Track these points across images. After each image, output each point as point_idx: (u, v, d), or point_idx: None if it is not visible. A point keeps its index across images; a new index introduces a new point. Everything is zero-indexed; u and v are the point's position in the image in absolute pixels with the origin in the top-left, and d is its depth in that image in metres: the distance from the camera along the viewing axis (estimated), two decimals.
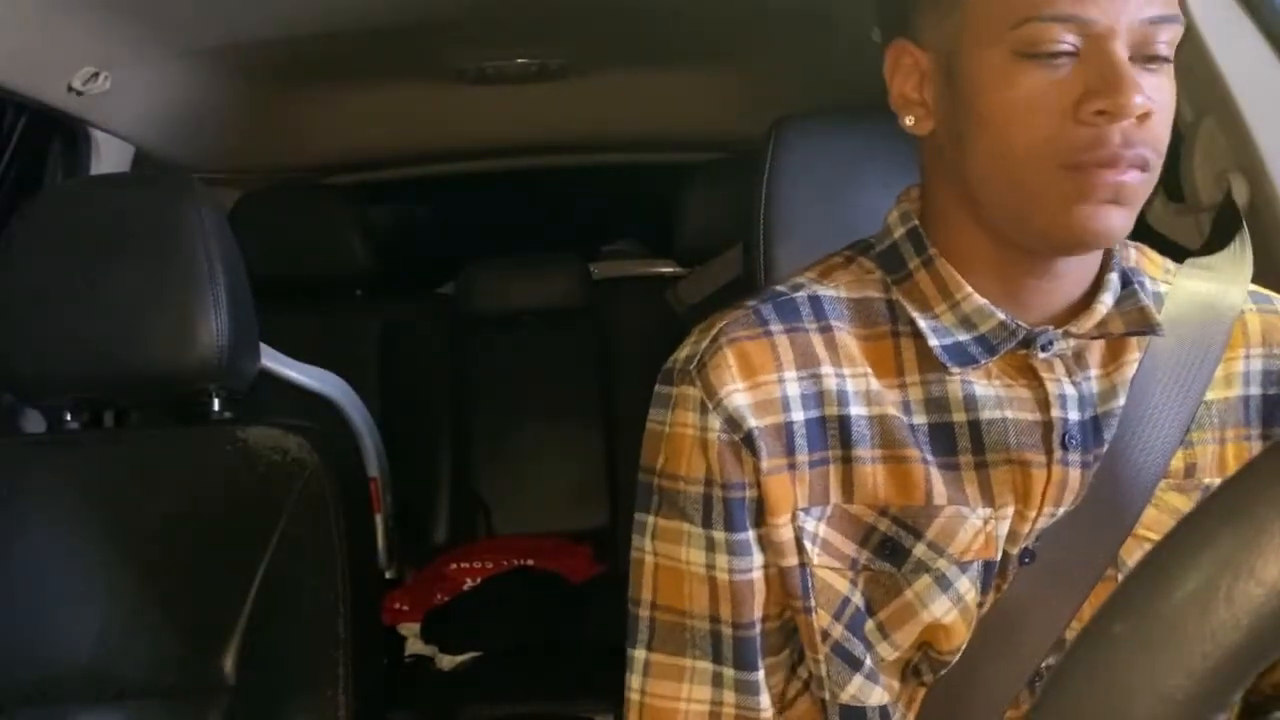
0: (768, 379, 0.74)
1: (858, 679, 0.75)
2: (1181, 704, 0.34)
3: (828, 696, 0.75)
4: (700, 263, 2.16)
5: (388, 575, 1.99)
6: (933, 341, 0.75)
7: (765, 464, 0.73)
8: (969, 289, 0.75)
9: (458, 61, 1.85)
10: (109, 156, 1.72)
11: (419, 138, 2.26)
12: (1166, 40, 0.68)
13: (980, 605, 0.75)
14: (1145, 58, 0.68)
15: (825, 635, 0.75)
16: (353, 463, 1.85)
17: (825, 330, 0.76)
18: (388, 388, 2.21)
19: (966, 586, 0.74)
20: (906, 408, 0.75)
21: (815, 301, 0.77)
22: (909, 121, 0.75)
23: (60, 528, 1.15)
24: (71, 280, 1.15)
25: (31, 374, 1.18)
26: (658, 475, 0.77)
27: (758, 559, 0.75)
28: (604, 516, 2.28)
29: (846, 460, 0.74)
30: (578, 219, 2.75)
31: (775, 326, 0.76)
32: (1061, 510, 0.75)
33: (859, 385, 0.75)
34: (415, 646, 1.94)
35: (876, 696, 0.75)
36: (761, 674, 0.76)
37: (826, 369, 0.75)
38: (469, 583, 2.01)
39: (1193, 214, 1.17)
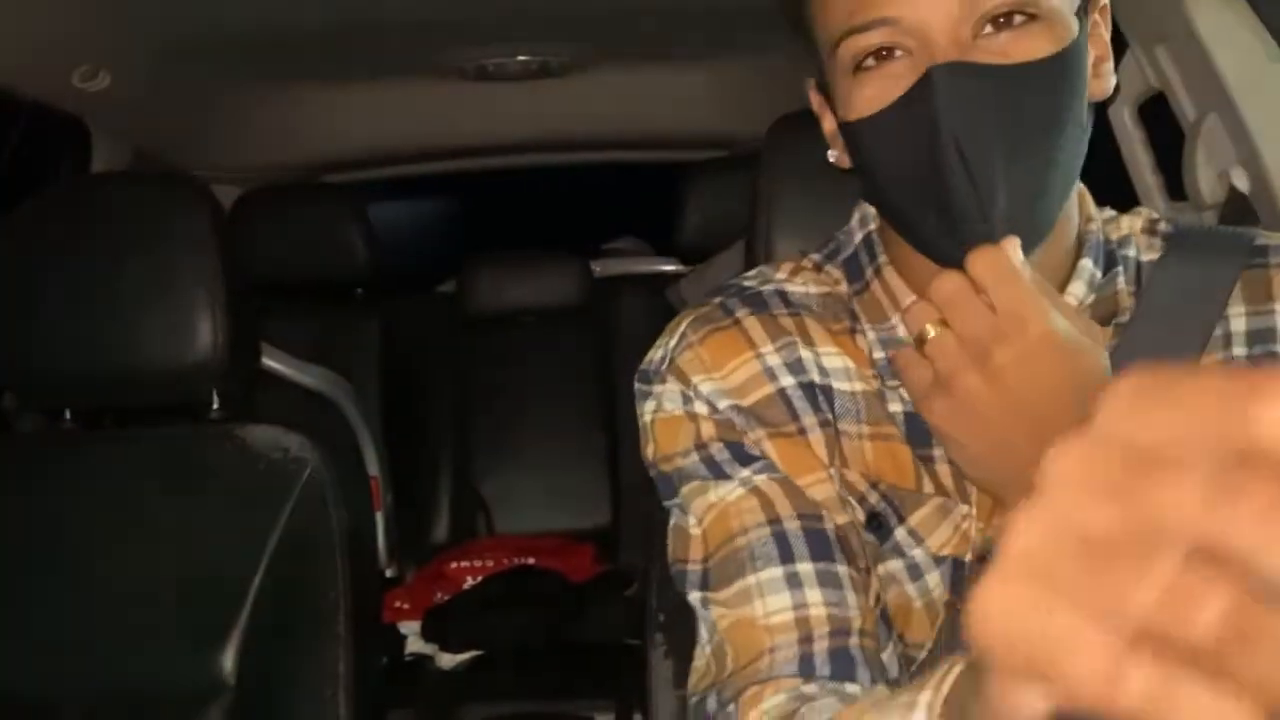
0: (745, 359, 0.73)
1: (890, 646, 0.73)
2: None
3: None
4: (702, 260, 2.16)
5: (388, 574, 1.99)
6: (876, 355, 0.74)
7: (762, 432, 0.72)
8: (913, 297, 0.73)
9: (458, 59, 1.85)
10: (108, 155, 1.71)
11: (419, 135, 2.26)
12: (1001, 4, 0.62)
13: (949, 605, 0.73)
14: (984, 22, 0.63)
15: (876, 597, 0.73)
16: (353, 461, 1.86)
17: (795, 315, 0.76)
18: (388, 386, 2.21)
19: (935, 582, 0.72)
20: (881, 395, 0.73)
21: (783, 295, 0.77)
22: (831, 157, 0.75)
23: (59, 527, 1.15)
24: (70, 280, 1.15)
25: (30, 373, 1.18)
26: (658, 463, 0.75)
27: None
28: (605, 515, 2.28)
29: (837, 431, 0.73)
30: (578, 217, 2.75)
31: (742, 313, 0.75)
32: None
33: (835, 363, 0.74)
34: (415, 645, 1.94)
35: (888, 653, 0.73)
36: (845, 569, 0.69)
37: (801, 344, 0.74)
38: (469, 581, 2.01)
39: (1195, 212, 1.17)
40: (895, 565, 0.73)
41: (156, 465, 1.17)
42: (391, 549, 1.98)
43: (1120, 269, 0.72)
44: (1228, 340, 0.71)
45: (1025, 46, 0.63)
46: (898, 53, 0.64)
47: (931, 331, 0.61)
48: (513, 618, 1.91)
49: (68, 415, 1.24)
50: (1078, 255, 0.71)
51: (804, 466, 0.72)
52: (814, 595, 0.67)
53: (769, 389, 0.73)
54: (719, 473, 0.72)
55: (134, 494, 1.16)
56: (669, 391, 0.74)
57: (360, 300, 2.27)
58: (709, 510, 0.72)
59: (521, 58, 1.86)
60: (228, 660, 1.09)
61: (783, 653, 0.66)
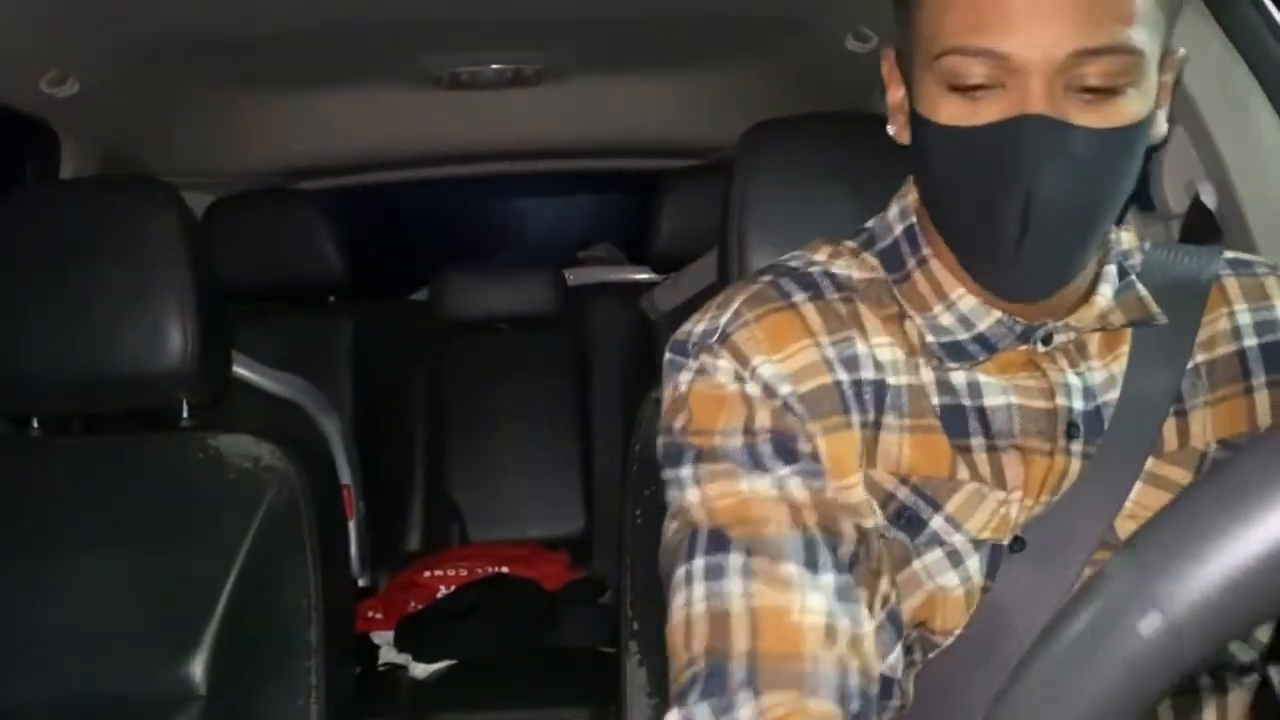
0: (804, 345, 0.74)
1: (898, 648, 0.74)
2: None
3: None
4: (675, 269, 2.17)
5: (361, 583, 1.98)
6: (929, 338, 0.75)
7: (817, 425, 0.72)
8: (962, 289, 0.75)
9: (432, 67, 1.85)
10: (78, 160, 1.70)
11: (392, 143, 2.25)
12: (1102, 72, 0.65)
13: (984, 590, 0.74)
14: (1080, 89, 0.65)
15: (884, 600, 0.74)
16: (325, 470, 1.85)
17: (848, 301, 0.77)
18: (361, 394, 2.20)
19: (975, 566, 0.74)
20: (924, 389, 0.75)
21: (831, 276, 0.78)
22: (891, 129, 0.75)
23: (27, 535, 1.14)
24: (39, 286, 1.14)
25: None
26: (686, 434, 0.73)
27: (831, 482, 0.72)
28: (579, 523, 2.28)
29: (876, 426, 0.74)
30: (552, 225, 2.75)
31: (799, 297, 0.76)
32: (1057, 499, 0.74)
33: (885, 355, 0.75)
34: (388, 655, 1.93)
35: (895, 655, 0.74)
36: (861, 590, 0.70)
37: (856, 335, 0.75)
38: (443, 590, 2.00)
39: (1162, 221, 1.19)
40: (933, 556, 0.74)
41: (126, 474, 1.17)
42: (364, 558, 1.97)
43: (1134, 277, 0.76)
44: (1237, 333, 0.76)
45: (1115, 111, 0.66)
46: (993, 85, 0.66)
47: None
48: (486, 626, 1.91)
49: (35, 423, 1.22)
50: (1102, 260, 0.76)
51: (846, 466, 0.73)
52: (838, 609, 0.68)
53: (826, 379, 0.73)
54: (758, 465, 0.71)
55: (103, 502, 1.15)
56: (722, 366, 0.74)
57: (333, 306, 2.26)
58: (727, 496, 0.71)
59: (495, 66, 1.86)
60: (198, 668, 1.08)
61: (824, 669, 0.66)
